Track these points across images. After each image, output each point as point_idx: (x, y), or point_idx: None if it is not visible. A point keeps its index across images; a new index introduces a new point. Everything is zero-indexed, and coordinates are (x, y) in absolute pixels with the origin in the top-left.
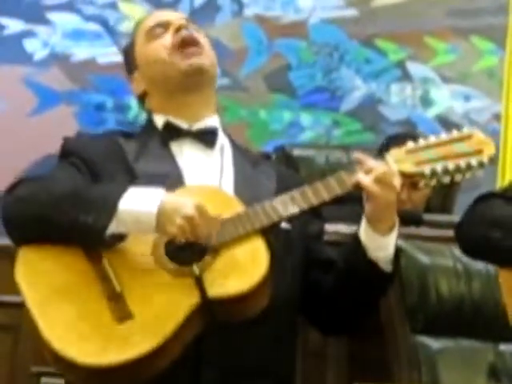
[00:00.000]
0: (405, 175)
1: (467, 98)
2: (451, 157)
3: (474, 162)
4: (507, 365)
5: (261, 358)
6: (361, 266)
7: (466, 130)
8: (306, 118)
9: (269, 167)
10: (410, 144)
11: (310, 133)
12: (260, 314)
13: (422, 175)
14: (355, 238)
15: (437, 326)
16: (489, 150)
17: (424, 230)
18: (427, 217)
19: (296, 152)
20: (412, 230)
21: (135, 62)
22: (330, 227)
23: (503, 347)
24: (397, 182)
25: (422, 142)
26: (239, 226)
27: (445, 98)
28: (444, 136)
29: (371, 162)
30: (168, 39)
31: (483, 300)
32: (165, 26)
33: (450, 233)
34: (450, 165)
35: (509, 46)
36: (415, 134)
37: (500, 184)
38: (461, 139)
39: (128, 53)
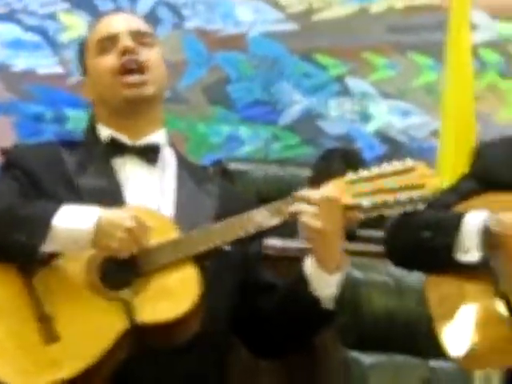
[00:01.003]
0: (343, 207)
1: (406, 114)
2: (392, 190)
3: (415, 196)
4: (439, 380)
5: (193, 380)
6: (302, 302)
7: (409, 162)
8: (244, 132)
9: (214, 185)
10: (351, 174)
11: (248, 146)
12: (193, 337)
13: (360, 208)
14: (300, 271)
15: (369, 342)
16: (432, 184)
17: (357, 245)
18: (361, 232)
19: (233, 166)
20: (345, 245)
21: (86, 68)
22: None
23: (435, 363)
24: (338, 213)
25: (363, 172)
26: (173, 251)
27: (383, 114)
28: (387, 167)
29: (310, 192)
30: (112, 60)
31: (415, 315)
32: (113, 40)
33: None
34: (390, 198)
35: (447, 61)
36: (353, 149)
37: None
38: (404, 171)
39: (82, 53)
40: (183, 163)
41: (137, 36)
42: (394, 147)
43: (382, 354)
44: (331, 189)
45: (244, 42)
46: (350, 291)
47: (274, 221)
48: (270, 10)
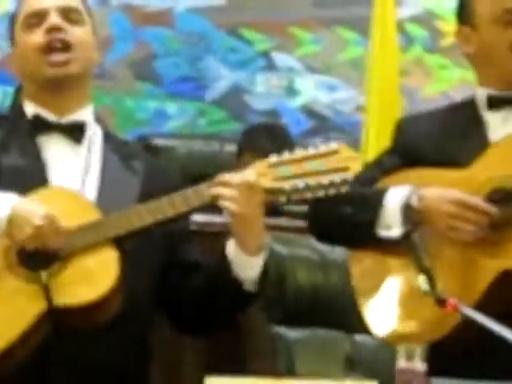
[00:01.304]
0: (264, 190)
1: (332, 89)
2: (314, 173)
3: (337, 179)
4: (363, 355)
5: (112, 359)
6: (225, 283)
7: (333, 145)
8: (171, 107)
9: (140, 162)
10: (273, 158)
11: (175, 122)
12: (113, 319)
13: (282, 191)
14: (223, 252)
15: (294, 317)
16: (354, 167)
17: (282, 221)
18: (285, 207)
19: (158, 142)
20: (270, 220)
21: (14, 40)
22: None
23: (359, 337)
24: (258, 197)
25: (286, 155)
26: (93, 234)
27: (310, 89)
28: (310, 151)
29: (231, 176)
30: (38, 37)
31: (340, 290)
32: (40, 16)
33: None
34: (312, 181)
35: (373, 36)
36: (278, 124)
37: None
38: (327, 154)
39: (11, 27)
40: (109, 140)
41: (65, 13)
42: (320, 122)
43: (307, 329)
44: (252, 173)
45: (170, 17)
46: (274, 266)
47: (195, 203)
48: None
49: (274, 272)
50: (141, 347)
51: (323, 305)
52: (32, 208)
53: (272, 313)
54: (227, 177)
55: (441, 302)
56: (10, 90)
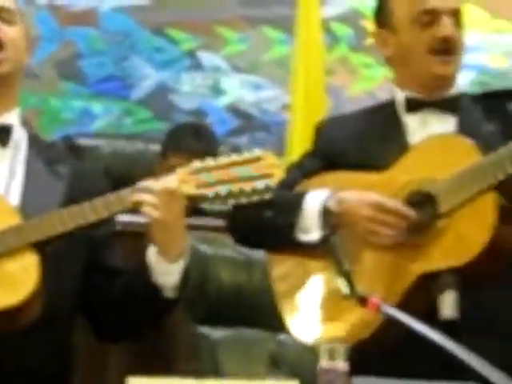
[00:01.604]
0: (187, 197)
1: (258, 88)
2: (237, 180)
3: (260, 186)
4: (287, 354)
5: (32, 363)
6: (144, 289)
7: (256, 152)
8: (97, 107)
9: (65, 166)
10: (196, 164)
11: (101, 121)
12: (34, 323)
13: (204, 198)
14: (143, 258)
15: (217, 316)
16: (278, 174)
17: (205, 220)
18: (209, 206)
19: (82, 142)
20: (193, 219)
21: None
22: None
23: (283, 337)
24: (178, 204)
25: (209, 162)
26: (13, 238)
27: (235, 88)
28: (234, 157)
29: (153, 182)
30: None
31: (263, 290)
32: None
33: None
34: (235, 188)
35: (298, 35)
36: (203, 124)
37: None
38: (251, 161)
39: None
40: (35, 144)
41: None
42: (245, 121)
43: (231, 329)
44: (173, 179)
45: (95, 16)
46: (197, 266)
47: (117, 209)
48: None
49: (197, 272)
50: (62, 350)
51: (247, 304)
52: None
53: (195, 313)
54: (149, 183)
55: (362, 301)
56: None
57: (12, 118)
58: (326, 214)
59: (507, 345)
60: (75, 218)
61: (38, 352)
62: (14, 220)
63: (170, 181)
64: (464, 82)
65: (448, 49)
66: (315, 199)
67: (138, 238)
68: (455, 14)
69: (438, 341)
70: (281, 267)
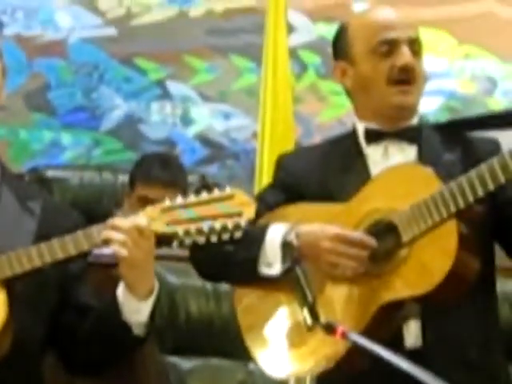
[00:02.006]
0: (157, 235)
1: (227, 117)
2: (208, 218)
3: (230, 224)
4: (257, 383)
5: None
6: (114, 327)
7: (228, 190)
8: (66, 138)
9: (36, 203)
10: (167, 202)
11: (70, 152)
12: (5, 355)
13: (175, 236)
14: (114, 297)
15: (186, 346)
16: (248, 213)
17: (174, 251)
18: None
19: (51, 173)
20: (162, 250)
21: None
22: None
23: (253, 366)
24: (148, 243)
25: (179, 200)
26: None
27: (205, 117)
28: (204, 196)
29: (122, 220)
30: None
31: (233, 319)
32: None
33: None
34: (206, 226)
35: (265, 64)
36: (171, 154)
37: None
38: (221, 199)
39: None
40: (7, 179)
41: None
42: (215, 150)
43: (200, 359)
44: (143, 217)
45: (64, 48)
46: (165, 296)
47: (85, 247)
48: (89, 15)
49: (165, 302)
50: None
51: (216, 334)
52: None
53: (164, 343)
54: (118, 221)
55: (330, 329)
56: None
57: None
58: (287, 248)
59: (472, 372)
60: (43, 256)
61: None
62: None
63: (139, 218)
64: (433, 107)
65: (407, 78)
66: (276, 233)
67: (109, 268)
68: (413, 43)
69: (403, 367)
70: (246, 300)
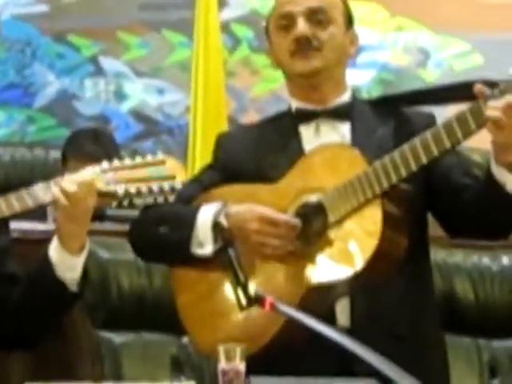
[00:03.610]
0: (100, 194)
1: (161, 92)
2: (144, 180)
3: (166, 186)
4: (190, 356)
5: None
6: (48, 286)
7: (160, 156)
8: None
9: None
10: (105, 164)
11: (4, 130)
12: None
13: (114, 195)
14: (46, 255)
15: (119, 321)
16: (181, 176)
17: (106, 225)
18: (110, 212)
19: None
20: (94, 225)
21: None
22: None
23: (186, 340)
24: (91, 198)
25: (117, 162)
26: None
27: (138, 92)
28: (139, 159)
29: (71, 175)
30: None
31: (165, 294)
32: None
33: None
34: (144, 187)
35: (197, 38)
36: (103, 129)
37: (190, 175)
38: (155, 163)
39: None
40: None
41: None
42: (149, 125)
43: (133, 333)
44: (88, 173)
45: None
46: (97, 271)
47: (30, 202)
48: None
49: (97, 276)
50: None
51: (149, 308)
52: None
53: (96, 317)
54: (68, 175)
55: (259, 301)
56: None
57: None
58: (218, 228)
59: (402, 345)
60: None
61: None
62: None
63: (86, 174)
64: (365, 79)
65: (305, 48)
66: (207, 213)
67: (35, 245)
68: (314, 14)
69: (330, 336)
70: (182, 278)
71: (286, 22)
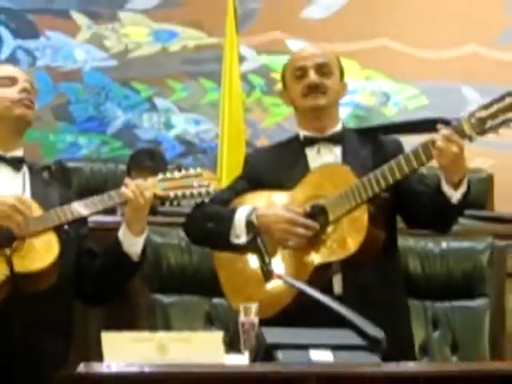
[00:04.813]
0: (156, 196)
1: (197, 123)
2: (188, 187)
3: (203, 191)
4: (218, 313)
5: (53, 317)
6: (118, 258)
7: (199, 170)
8: (82, 139)
9: (53, 184)
10: (161, 176)
11: (85, 150)
12: (52, 286)
13: (168, 198)
14: (116, 237)
15: (167, 287)
16: (214, 184)
17: (158, 218)
18: (161, 208)
19: (70, 164)
20: (150, 218)
21: None
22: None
23: (216, 300)
24: (149, 197)
25: (168, 175)
26: (44, 222)
27: (181, 123)
28: (184, 172)
29: (134, 182)
30: (14, 93)
31: (200, 267)
32: (13, 80)
33: (178, 220)
34: (187, 192)
35: (223, 85)
36: (156, 149)
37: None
38: (195, 175)
39: None
40: (34, 171)
41: (30, 83)
42: (189, 147)
43: (177, 295)
44: (149, 182)
45: (80, 74)
46: (151, 251)
47: (111, 202)
48: (97, 51)
49: (151, 255)
50: (67, 311)
51: (188, 278)
52: (3, 197)
53: (151, 284)
54: (129, 182)
55: (270, 274)
56: None
57: (21, 153)
58: (249, 225)
59: (378, 308)
60: (92, 207)
61: (54, 306)
62: (37, 212)
63: (149, 183)
64: (344, 115)
65: (313, 91)
66: (242, 213)
67: (107, 232)
68: (321, 67)
69: (324, 301)
70: (223, 259)
71: (300, 73)
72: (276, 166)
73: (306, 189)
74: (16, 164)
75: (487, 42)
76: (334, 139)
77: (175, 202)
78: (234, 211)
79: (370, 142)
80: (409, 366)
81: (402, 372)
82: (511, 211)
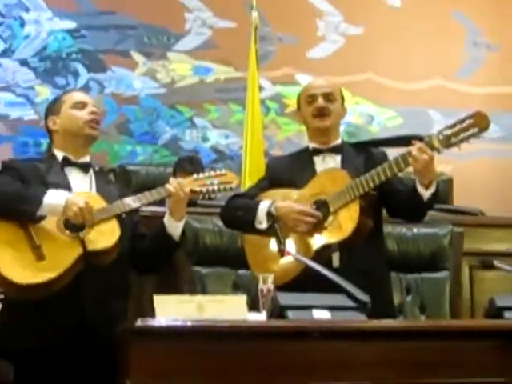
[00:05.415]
0: (192, 191)
1: (227, 137)
2: (215, 184)
3: (227, 187)
4: (243, 281)
5: (115, 284)
6: (163, 238)
7: (223, 171)
8: (139, 149)
9: (115, 183)
10: (195, 175)
11: (141, 157)
12: (114, 260)
13: (201, 192)
14: (162, 222)
15: (204, 261)
16: (235, 182)
17: (195, 209)
18: (200, 201)
19: (130, 168)
20: (190, 208)
21: (59, 112)
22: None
23: (241, 272)
24: (188, 191)
25: (200, 175)
26: (107, 212)
27: (214, 137)
28: (212, 173)
29: (176, 180)
30: (85, 114)
31: (229, 246)
32: (83, 104)
33: (212, 210)
34: (216, 188)
35: (247, 108)
36: (196, 156)
37: (242, 183)
38: (221, 175)
39: (55, 103)
40: (99, 172)
41: (97, 107)
42: (220, 155)
43: (212, 268)
44: (187, 181)
45: (137, 100)
46: (191, 233)
47: (158, 196)
48: (151, 81)
49: (191, 236)
50: (126, 280)
51: (221, 254)
52: (76, 198)
53: (192, 259)
54: (173, 180)
55: (282, 251)
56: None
57: (88, 158)
58: (269, 215)
59: (368, 278)
60: (141, 200)
61: (116, 276)
62: (102, 204)
63: (188, 181)
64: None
65: (321, 113)
66: (264, 206)
67: (157, 219)
68: (327, 95)
69: (324, 272)
70: (250, 240)
71: (311, 99)
72: (291, 170)
73: (313, 187)
74: (85, 168)
75: (449, 76)
76: (335, 150)
77: (207, 196)
78: (258, 203)
79: (363, 153)
80: (388, 322)
81: (383, 326)
82: (466, 205)
